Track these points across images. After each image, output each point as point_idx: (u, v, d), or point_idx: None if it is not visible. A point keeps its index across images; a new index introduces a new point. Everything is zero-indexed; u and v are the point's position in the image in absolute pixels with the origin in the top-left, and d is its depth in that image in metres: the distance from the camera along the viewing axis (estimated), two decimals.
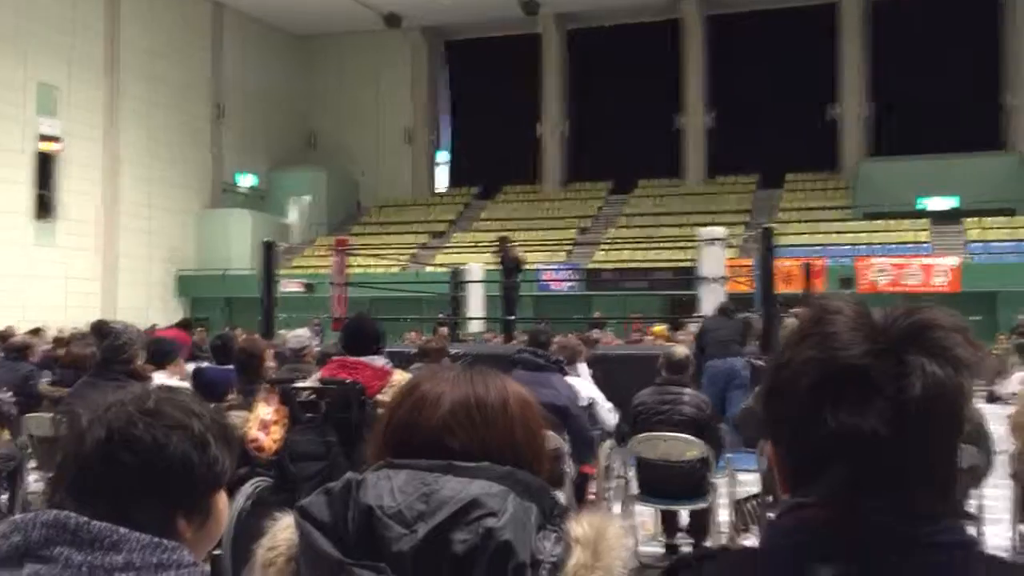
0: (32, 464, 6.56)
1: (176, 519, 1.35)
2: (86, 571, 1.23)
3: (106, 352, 5.44)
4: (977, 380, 0.98)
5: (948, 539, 0.94)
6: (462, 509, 1.13)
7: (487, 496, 1.14)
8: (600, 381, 7.33)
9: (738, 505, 5.42)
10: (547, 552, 1.14)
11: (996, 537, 5.45)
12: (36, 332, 12.08)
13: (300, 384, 4.57)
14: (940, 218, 27.85)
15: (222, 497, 1.45)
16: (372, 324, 4.64)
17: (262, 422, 4.43)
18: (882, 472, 0.93)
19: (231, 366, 6.04)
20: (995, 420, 6.43)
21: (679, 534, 6.20)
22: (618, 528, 1.21)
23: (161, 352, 6.03)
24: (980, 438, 4.91)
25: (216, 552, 4.77)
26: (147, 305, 27.99)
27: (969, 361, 0.94)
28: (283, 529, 1.24)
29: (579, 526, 1.19)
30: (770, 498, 5.15)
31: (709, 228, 12.79)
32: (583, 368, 7.70)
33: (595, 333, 19.43)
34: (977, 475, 4.89)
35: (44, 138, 25.45)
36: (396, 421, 1.29)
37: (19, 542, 1.26)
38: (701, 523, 5.91)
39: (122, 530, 1.26)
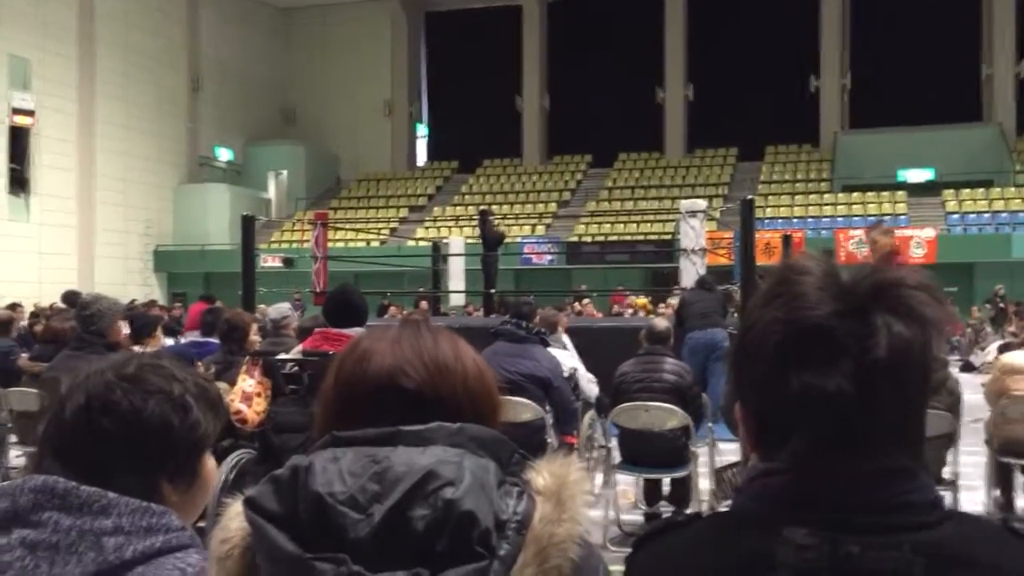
0: (13, 439, 6.53)
1: (160, 483, 1.35)
2: (75, 535, 1.23)
3: (79, 323, 5.40)
4: (944, 338, 0.97)
5: (919, 498, 0.93)
6: (417, 484, 1.08)
7: (442, 464, 1.09)
8: (582, 353, 7.37)
9: (719, 473, 5.48)
10: (510, 511, 1.10)
11: (971, 503, 5.54)
12: (13, 308, 11.98)
13: (283, 356, 4.57)
14: (918, 190, 28.02)
15: (208, 460, 1.45)
16: (357, 295, 4.63)
17: (245, 394, 4.42)
18: (849, 432, 0.92)
19: (215, 340, 6.03)
20: (971, 389, 6.52)
21: (660, 503, 6.27)
22: (579, 472, 1.17)
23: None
24: (955, 405, 4.98)
25: (200, 524, 4.79)
26: (125, 280, 27.80)
27: (936, 319, 0.93)
28: (233, 518, 1.17)
29: (539, 476, 1.15)
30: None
31: (689, 200, 12.81)
32: (566, 339, 7.74)
33: (576, 306, 19.50)
34: (953, 441, 4.96)
35: (16, 111, 25.09)
36: (343, 375, 1.23)
37: (7, 508, 1.26)
38: (682, 492, 5.97)
39: (111, 495, 1.26)
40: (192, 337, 7.96)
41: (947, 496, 5.05)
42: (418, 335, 1.25)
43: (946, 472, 5.10)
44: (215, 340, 6.25)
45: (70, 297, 6.93)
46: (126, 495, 1.28)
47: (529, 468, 1.18)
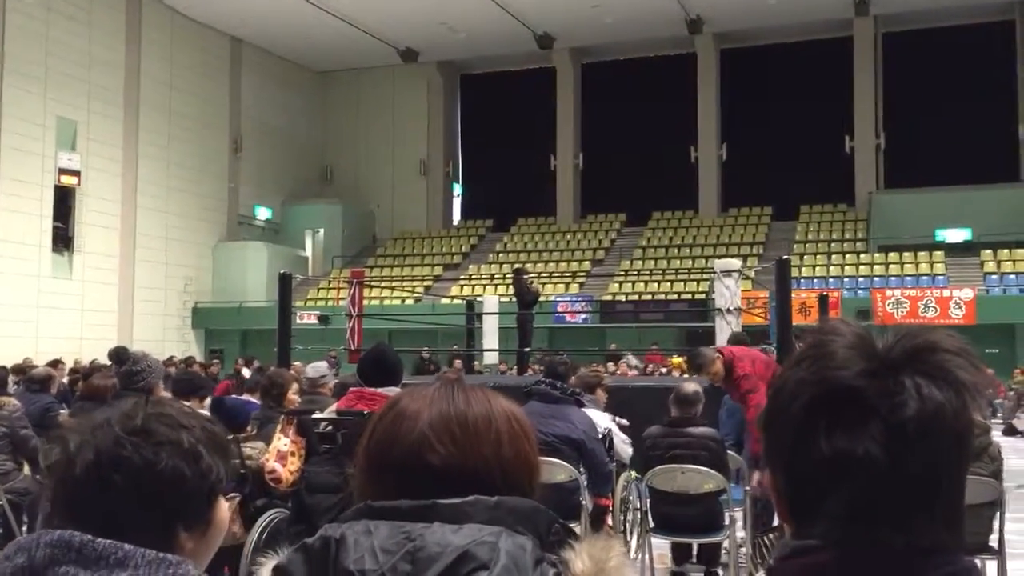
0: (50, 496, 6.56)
1: (176, 532, 1.35)
2: None
3: (123, 378, 5.44)
4: (983, 403, 0.93)
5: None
6: (450, 566, 1.06)
7: (476, 546, 1.07)
8: (615, 412, 7.30)
9: (756, 539, 5.38)
10: None
11: (1018, 572, 5.38)
12: (55, 364, 12.14)
13: (318, 415, 4.58)
14: (956, 250, 27.73)
15: (221, 505, 1.44)
16: (392, 354, 4.64)
17: (280, 453, 4.43)
18: (881, 502, 0.88)
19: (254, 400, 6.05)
20: (1015, 453, 6.38)
21: (688, 562, 6.15)
22: (620, 558, 1.14)
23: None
24: (999, 472, 4.87)
25: None
26: (163, 337, 28.14)
27: (971, 383, 0.89)
28: None
29: (579, 559, 1.12)
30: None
31: (724, 260, 12.78)
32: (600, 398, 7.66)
33: (612, 366, 19.39)
34: (999, 508, 4.84)
35: (63, 171, 25.71)
36: (375, 438, 1.23)
37: (23, 563, 1.25)
38: (712, 553, 5.86)
39: (127, 546, 1.26)
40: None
41: (992, 565, 4.92)
42: (451, 398, 1.24)
43: (992, 540, 4.97)
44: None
45: (119, 353, 6.97)
46: (142, 547, 1.28)
47: (568, 547, 1.14)
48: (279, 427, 4.58)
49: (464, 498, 1.12)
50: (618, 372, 18.90)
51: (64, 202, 26.02)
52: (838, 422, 0.89)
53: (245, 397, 6.98)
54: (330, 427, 4.43)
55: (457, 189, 37.61)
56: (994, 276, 26.00)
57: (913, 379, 0.89)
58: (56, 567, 1.24)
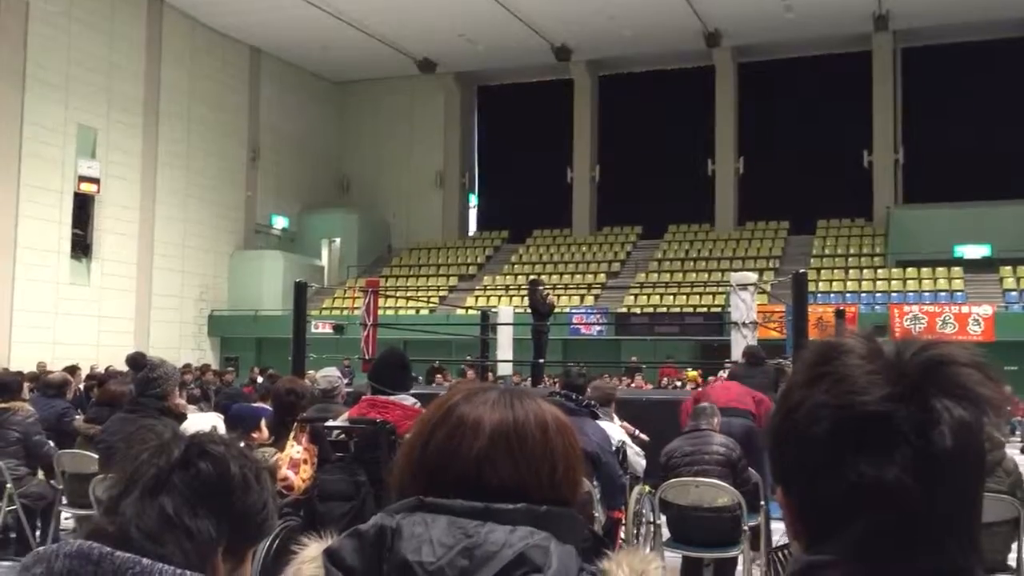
0: (64, 501, 6.59)
1: (217, 547, 1.35)
2: None
3: (139, 384, 5.47)
4: (1002, 418, 0.90)
5: None
6: (507, 567, 1.07)
7: (532, 549, 1.09)
8: (633, 425, 7.27)
9: (773, 554, 5.32)
10: None
11: None
12: (73, 370, 12.21)
13: (330, 423, 4.57)
14: (975, 266, 27.54)
15: (249, 558, 1.45)
16: (403, 358, 4.64)
17: (292, 461, 4.43)
18: (906, 525, 0.86)
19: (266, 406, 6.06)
20: None
21: None
22: (658, 571, 1.16)
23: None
24: (1018, 489, 4.81)
25: None
26: (179, 344, 28.26)
27: (992, 400, 0.88)
28: (308, 562, 1.18)
29: (619, 570, 1.14)
30: None
31: (741, 273, 12.72)
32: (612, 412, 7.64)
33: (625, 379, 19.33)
34: (1015, 527, 4.77)
35: (83, 179, 25.92)
36: (433, 447, 1.22)
37: (42, 574, 1.25)
38: (726, 571, 5.80)
39: (144, 561, 1.25)
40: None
41: None
42: (511, 411, 1.23)
43: (1011, 559, 4.90)
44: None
45: (136, 360, 6.99)
46: (191, 543, 1.28)
47: (607, 557, 1.16)
48: (292, 434, 4.57)
49: (516, 505, 1.15)
50: (633, 385, 18.84)
51: (83, 209, 26.21)
52: (865, 449, 0.87)
53: (259, 404, 7.00)
54: (343, 435, 4.42)
55: (473, 200, 37.68)
56: (1013, 293, 25.80)
57: (941, 402, 0.87)
58: None
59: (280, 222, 34.16)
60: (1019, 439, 16.97)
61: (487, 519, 1.13)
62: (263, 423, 5.66)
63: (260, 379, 14.25)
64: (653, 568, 1.16)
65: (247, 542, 1.40)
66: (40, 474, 6.85)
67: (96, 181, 26.24)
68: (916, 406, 0.87)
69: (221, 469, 1.36)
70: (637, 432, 6.93)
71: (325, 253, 34.95)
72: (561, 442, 1.24)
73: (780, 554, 5.80)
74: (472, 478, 1.18)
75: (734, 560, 5.64)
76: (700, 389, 8.28)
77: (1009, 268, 26.79)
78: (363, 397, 4.91)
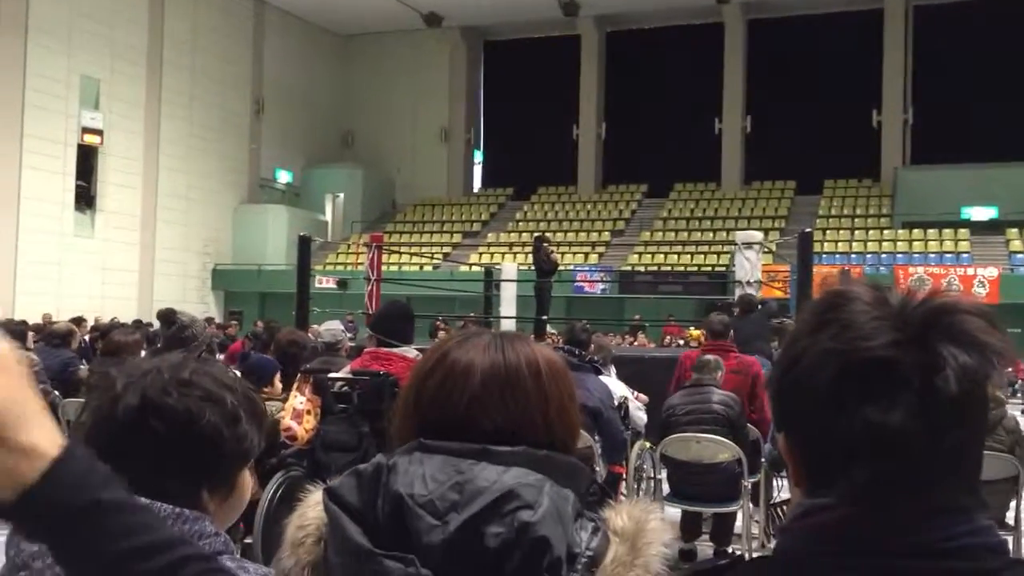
0: None
1: (200, 491, 1.34)
2: None
3: (169, 341, 5.44)
4: (1005, 367, 0.91)
5: (978, 542, 0.88)
6: (496, 501, 1.08)
7: (523, 487, 1.09)
8: (635, 383, 7.29)
9: (772, 509, 5.36)
10: (584, 544, 1.09)
11: None
12: (78, 322, 12.23)
13: (333, 375, 4.58)
14: (981, 228, 27.43)
15: (246, 473, 1.44)
16: (405, 307, 4.64)
17: (295, 412, 4.45)
18: (908, 469, 0.87)
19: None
20: None
21: (699, 539, 6.13)
22: (659, 521, 1.16)
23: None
24: (1017, 447, 4.82)
25: (247, 541, 4.80)
26: (183, 298, 28.30)
27: (996, 347, 0.88)
28: (312, 506, 1.20)
29: (618, 517, 1.15)
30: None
31: (746, 232, 12.66)
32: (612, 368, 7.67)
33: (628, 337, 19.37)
34: (1015, 484, 4.80)
35: (86, 130, 25.80)
36: (427, 392, 1.24)
37: None
38: (724, 527, 5.84)
39: (142, 500, 1.25)
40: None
41: (1010, 542, 4.88)
42: (502, 355, 1.23)
43: (1009, 517, 4.93)
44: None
45: (167, 315, 6.95)
46: (166, 499, 1.27)
47: (608, 506, 1.17)
48: (295, 385, 4.59)
49: (514, 448, 1.15)
50: (636, 343, 18.88)
51: (87, 161, 26.13)
52: (870, 394, 0.87)
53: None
54: (346, 387, 4.43)
55: (478, 156, 37.50)
56: (1019, 255, 25.73)
57: (947, 348, 0.86)
58: None
59: (284, 176, 34.05)
60: (1021, 400, 17.02)
61: (484, 460, 1.14)
62: (278, 377, 5.65)
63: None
64: (653, 517, 1.16)
65: (230, 475, 1.40)
66: None
67: (99, 132, 26.12)
68: (921, 352, 0.86)
69: (179, 427, 1.32)
70: (635, 393, 6.95)
71: (329, 208, 34.87)
72: (554, 385, 1.24)
73: (779, 510, 5.84)
74: (465, 422, 1.19)
75: (733, 515, 5.67)
76: (696, 348, 8.26)
77: (1016, 230, 26.69)
78: (366, 350, 4.92)
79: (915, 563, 0.86)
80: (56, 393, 6.87)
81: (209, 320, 20.88)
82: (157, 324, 12.54)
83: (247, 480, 1.44)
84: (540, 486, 1.10)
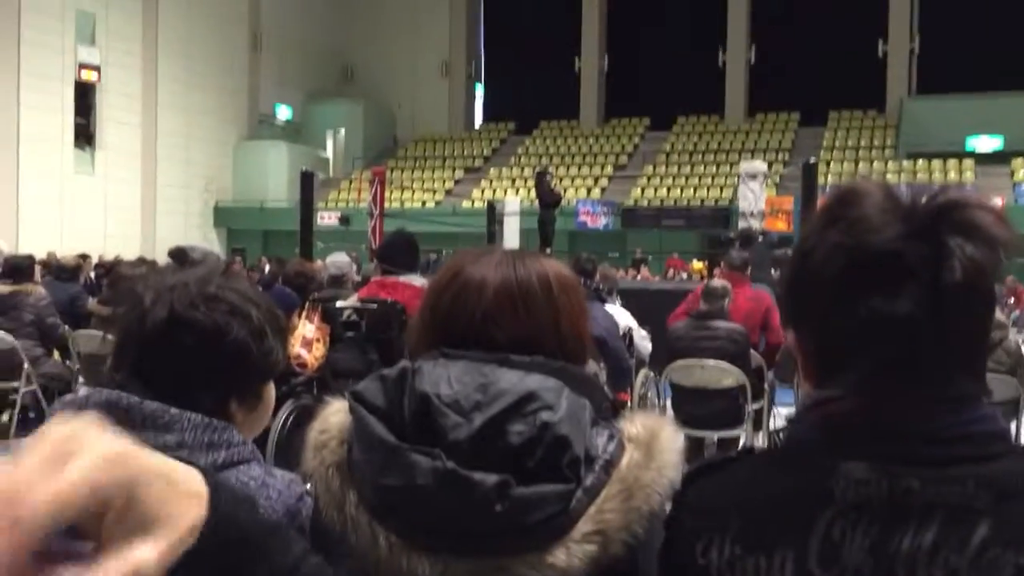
0: (81, 380, 6.72)
1: (229, 402, 1.36)
2: None
3: None
4: (1010, 255, 0.92)
5: (984, 428, 0.89)
6: (519, 401, 1.11)
7: (544, 390, 1.12)
8: (638, 315, 7.33)
9: (773, 435, 5.43)
10: (600, 448, 1.12)
11: None
12: (83, 258, 12.29)
13: (341, 303, 4.62)
14: (986, 159, 27.26)
15: (271, 387, 1.47)
16: (409, 236, 4.66)
17: (305, 340, 4.49)
18: (916, 358, 0.88)
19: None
20: None
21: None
22: (672, 430, 1.19)
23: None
24: (1019, 368, 4.87)
25: None
26: (185, 236, 28.20)
27: (1004, 239, 0.89)
28: (334, 413, 1.22)
29: (632, 425, 1.17)
30: None
31: (749, 163, 12.62)
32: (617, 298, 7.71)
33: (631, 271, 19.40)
34: (1016, 406, 4.86)
35: (83, 66, 25.52)
36: (441, 309, 1.26)
37: None
38: (727, 451, 5.93)
39: (173, 410, 1.27)
40: None
41: None
42: (513, 270, 1.26)
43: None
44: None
45: (179, 253, 6.92)
46: (197, 411, 1.29)
47: (622, 417, 1.19)
48: (304, 313, 4.63)
49: (532, 357, 1.18)
50: (639, 277, 18.93)
51: (85, 98, 25.90)
52: (877, 285, 0.88)
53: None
54: (353, 315, 4.47)
55: (479, 91, 37.10)
56: None
57: (954, 239, 0.87)
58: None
59: (284, 112, 33.75)
60: (1019, 331, 17.06)
61: (504, 366, 1.17)
62: (296, 314, 5.69)
63: (268, 267, 14.32)
64: (666, 426, 1.19)
65: (257, 387, 1.42)
66: (56, 355, 6.96)
67: (97, 68, 25.85)
68: (929, 243, 0.88)
69: (208, 341, 1.33)
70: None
71: (330, 144, 34.64)
72: (565, 298, 1.27)
73: (781, 435, 5.91)
74: (480, 336, 1.21)
75: (736, 440, 5.75)
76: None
77: (1021, 160, 26.53)
78: (372, 279, 4.95)
79: (922, 449, 0.88)
80: (66, 326, 6.93)
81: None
82: (160, 262, 12.56)
83: (271, 392, 1.47)
84: (559, 390, 1.13)
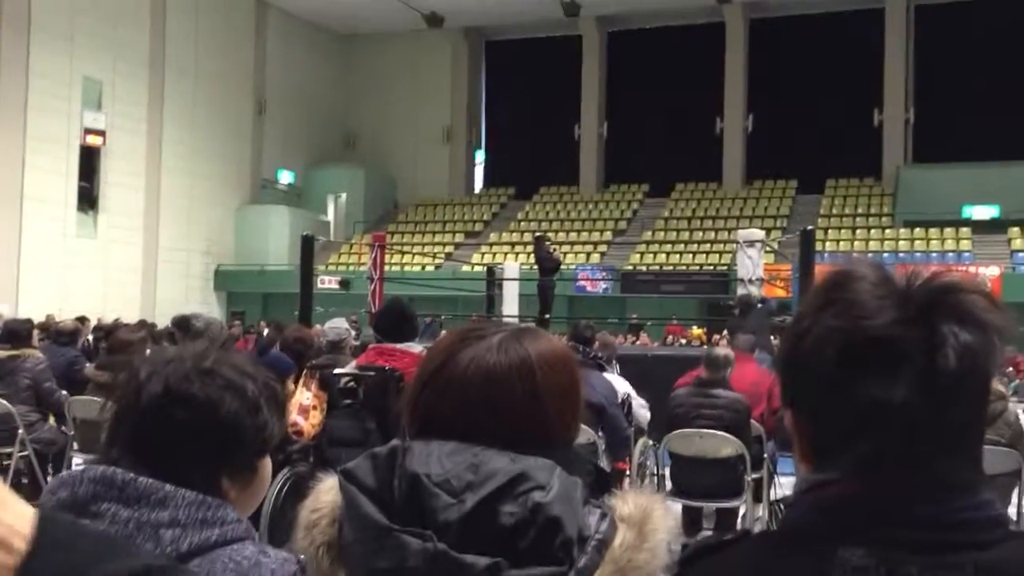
0: (76, 447, 6.67)
1: (220, 478, 1.36)
2: (133, 527, 1.24)
3: None
4: (1006, 341, 0.93)
5: (982, 515, 0.90)
6: (510, 481, 1.11)
7: (535, 470, 1.13)
8: (637, 382, 7.31)
9: (774, 505, 5.38)
10: (593, 529, 1.12)
11: None
12: (82, 320, 12.28)
13: (339, 370, 4.61)
14: (983, 227, 27.42)
15: (267, 462, 1.46)
16: (408, 308, 4.67)
17: (302, 407, 4.48)
18: (911, 444, 0.89)
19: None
20: None
21: (701, 534, 6.15)
22: (664, 509, 1.19)
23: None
24: (1018, 441, 4.84)
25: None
26: (185, 298, 28.30)
27: (997, 325, 0.90)
28: (326, 491, 1.23)
29: (625, 505, 1.18)
30: None
31: (748, 230, 12.70)
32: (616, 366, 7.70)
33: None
34: (1017, 478, 4.81)
35: (89, 131, 25.83)
36: (425, 394, 1.26)
37: (66, 498, 1.27)
38: (726, 523, 5.87)
39: (167, 487, 1.27)
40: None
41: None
42: (515, 350, 1.25)
43: (1011, 512, 4.95)
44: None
45: (182, 322, 6.93)
46: (188, 486, 1.28)
47: (614, 495, 1.20)
48: (301, 381, 4.62)
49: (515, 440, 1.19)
50: (638, 343, 18.91)
51: (89, 161, 26.17)
52: (872, 371, 0.89)
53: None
54: (351, 382, 4.46)
55: (480, 156, 37.49)
56: (1021, 254, 25.72)
57: (948, 326, 0.88)
58: (98, 503, 1.25)
59: (286, 177, 34.07)
60: (1019, 400, 16.98)
61: (494, 448, 1.17)
62: (292, 379, 5.67)
63: (266, 331, 14.32)
64: (658, 505, 1.19)
65: (252, 463, 1.42)
66: (51, 420, 6.93)
67: (102, 133, 26.15)
68: (923, 330, 0.88)
69: (201, 415, 1.34)
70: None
71: (331, 208, 34.87)
72: (552, 378, 1.25)
73: (781, 506, 5.86)
74: (464, 429, 1.21)
75: (736, 511, 5.69)
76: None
77: (1017, 229, 26.67)
78: (370, 346, 4.95)
79: (918, 535, 0.88)
80: (63, 392, 6.91)
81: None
82: (160, 325, 12.56)
83: (267, 467, 1.46)
84: (551, 469, 1.13)
